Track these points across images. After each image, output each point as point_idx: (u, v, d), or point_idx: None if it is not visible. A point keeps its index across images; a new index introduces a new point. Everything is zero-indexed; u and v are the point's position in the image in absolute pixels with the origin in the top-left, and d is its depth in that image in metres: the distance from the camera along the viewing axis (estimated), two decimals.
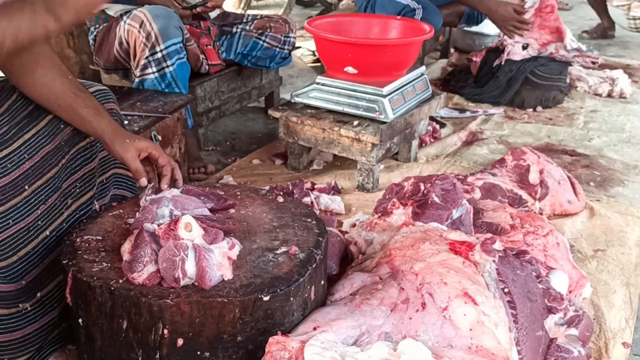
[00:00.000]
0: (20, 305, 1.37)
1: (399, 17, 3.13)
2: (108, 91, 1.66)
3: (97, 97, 1.60)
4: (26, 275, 1.38)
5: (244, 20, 2.93)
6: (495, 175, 2.22)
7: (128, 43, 2.41)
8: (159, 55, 2.37)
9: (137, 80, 2.45)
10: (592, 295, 1.82)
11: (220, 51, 2.82)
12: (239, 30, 2.88)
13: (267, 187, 2.34)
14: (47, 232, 1.43)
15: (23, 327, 1.38)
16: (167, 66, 2.39)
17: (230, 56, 2.90)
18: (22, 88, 1.48)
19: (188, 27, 2.65)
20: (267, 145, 2.90)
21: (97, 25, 2.60)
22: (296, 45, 3.14)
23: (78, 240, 1.39)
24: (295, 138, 2.52)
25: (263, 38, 2.89)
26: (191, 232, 1.27)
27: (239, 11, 4.87)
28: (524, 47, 3.46)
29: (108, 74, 2.70)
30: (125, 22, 2.41)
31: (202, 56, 2.69)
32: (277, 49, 2.93)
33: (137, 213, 1.41)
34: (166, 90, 2.44)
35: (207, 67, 2.73)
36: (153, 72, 2.40)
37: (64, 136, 1.50)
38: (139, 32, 2.36)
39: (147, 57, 2.37)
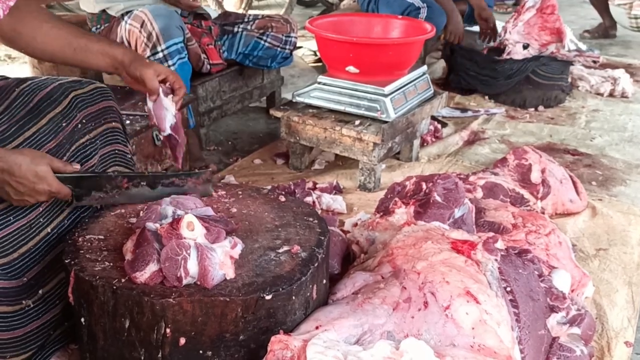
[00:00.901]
0: (23, 302, 1.37)
1: (403, 15, 3.14)
2: (106, 89, 1.67)
3: (95, 94, 1.61)
4: (27, 272, 1.39)
5: (246, 20, 2.93)
6: (497, 175, 2.22)
7: (129, 43, 2.42)
8: (160, 55, 2.37)
9: None
10: (595, 294, 1.81)
11: (221, 51, 2.83)
12: (240, 30, 2.88)
13: (269, 187, 2.34)
14: (49, 230, 1.44)
15: (25, 324, 1.38)
16: (169, 66, 2.39)
17: (231, 56, 2.90)
18: (32, 48, 1.53)
19: (189, 27, 2.65)
20: (268, 145, 2.91)
21: (98, 26, 2.60)
22: (297, 45, 3.14)
23: (80, 239, 1.39)
24: (297, 138, 2.52)
25: (264, 38, 2.89)
26: (193, 231, 1.27)
27: (240, 11, 4.87)
28: (525, 47, 3.46)
29: (110, 73, 2.70)
30: (126, 22, 2.41)
31: (203, 56, 2.69)
32: (279, 49, 2.93)
33: (140, 212, 1.41)
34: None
35: (208, 66, 2.73)
36: None
37: (65, 134, 1.50)
38: (140, 32, 2.36)
39: (148, 57, 2.37)
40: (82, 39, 1.55)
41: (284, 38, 2.92)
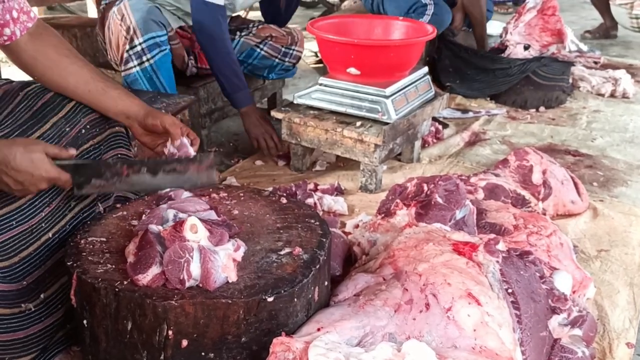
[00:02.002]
0: (23, 305, 1.37)
1: (410, 12, 3.14)
2: None
3: None
4: (27, 276, 1.39)
5: (250, 26, 2.91)
6: (498, 176, 2.22)
7: (112, 33, 2.43)
8: (138, 48, 2.37)
9: (122, 77, 2.46)
10: (596, 295, 1.81)
11: None
12: (237, 36, 2.87)
13: (270, 189, 2.35)
14: (50, 235, 1.44)
15: (26, 327, 1.38)
16: (148, 59, 2.39)
17: None
18: (49, 80, 1.54)
19: (178, 30, 2.65)
20: None
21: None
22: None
23: (82, 242, 1.40)
24: (298, 139, 2.52)
25: (261, 46, 2.87)
26: (197, 234, 1.27)
27: (242, 13, 4.86)
28: (526, 48, 3.46)
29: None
30: (114, 11, 2.43)
31: (188, 57, 2.67)
32: (277, 60, 2.90)
33: (143, 215, 1.41)
34: (149, 85, 2.43)
35: (194, 69, 2.71)
36: (135, 66, 2.40)
37: (69, 139, 1.50)
38: (120, 25, 2.38)
39: (127, 51, 2.38)
40: (100, 83, 1.56)
41: (283, 49, 2.89)
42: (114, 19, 2.41)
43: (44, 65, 1.53)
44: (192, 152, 1.56)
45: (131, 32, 2.36)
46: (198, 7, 2.49)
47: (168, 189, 1.49)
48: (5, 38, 1.47)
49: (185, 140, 1.57)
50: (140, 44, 2.37)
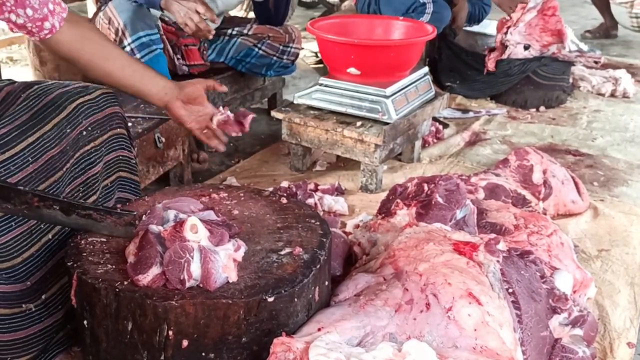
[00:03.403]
0: (24, 305, 1.37)
1: (408, 12, 3.13)
2: (112, 94, 1.67)
3: (101, 101, 1.61)
4: (30, 277, 1.39)
5: (247, 26, 2.90)
6: (499, 176, 2.22)
7: None
8: (128, 49, 2.36)
9: None
10: (597, 295, 1.81)
11: (205, 52, 2.77)
12: (235, 34, 2.86)
13: (271, 189, 2.34)
14: (50, 236, 1.44)
15: (27, 327, 1.38)
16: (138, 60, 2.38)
17: (221, 59, 2.86)
18: (95, 66, 1.60)
19: (164, 26, 2.63)
20: (270, 147, 2.91)
21: None
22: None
23: (83, 242, 1.40)
24: (299, 139, 2.52)
25: (259, 45, 2.86)
26: (197, 234, 1.27)
27: (241, 13, 4.86)
28: (526, 48, 3.46)
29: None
30: (100, 15, 2.42)
31: (177, 57, 2.65)
32: (275, 58, 2.89)
33: (143, 215, 1.41)
34: None
35: (185, 67, 2.69)
36: None
37: (69, 140, 1.50)
38: (108, 28, 2.37)
39: None
40: (140, 64, 1.69)
41: (281, 47, 2.88)
42: (102, 24, 2.41)
43: (91, 50, 1.56)
44: (233, 127, 1.81)
45: (119, 33, 2.35)
46: None
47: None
48: (47, 32, 1.48)
49: (230, 114, 1.77)
50: (129, 44, 2.36)
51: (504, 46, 3.49)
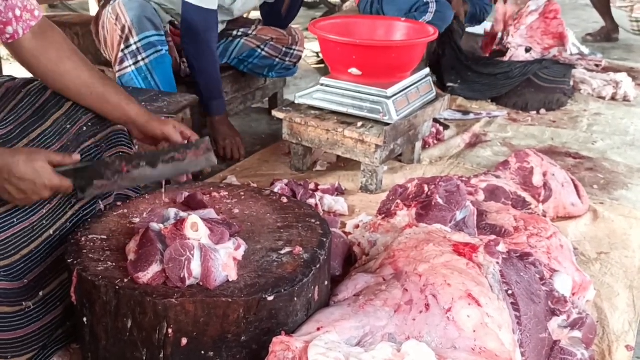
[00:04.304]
0: (24, 303, 1.37)
1: (411, 12, 3.13)
2: None
3: None
4: (29, 273, 1.39)
5: (251, 27, 2.90)
6: (499, 178, 2.22)
7: (108, 32, 2.41)
8: (134, 47, 2.36)
9: (117, 76, 2.44)
10: (596, 297, 1.81)
11: None
12: (240, 35, 2.86)
13: (276, 189, 2.34)
14: (51, 232, 1.44)
15: (26, 325, 1.38)
16: (143, 59, 2.38)
17: (224, 60, 2.87)
18: (51, 80, 1.54)
19: (171, 28, 2.63)
20: (270, 146, 2.91)
21: None
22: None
23: (83, 239, 1.40)
24: (299, 139, 2.52)
25: (262, 47, 2.86)
26: (197, 232, 1.27)
27: (244, 14, 4.86)
28: (527, 50, 3.46)
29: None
30: (108, 11, 2.41)
31: (180, 58, 2.65)
32: (277, 59, 2.90)
33: (144, 212, 1.41)
34: (144, 85, 2.41)
35: (188, 70, 2.69)
36: (130, 65, 2.39)
37: (70, 136, 1.50)
38: (115, 24, 2.36)
39: (122, 50, 2.37)
40: (102, 88, 1.57)
41: (284, 49, 2.89)
42: (109, 18, 2.40)
43: (45, 66, 1.52)
44: None
45: (126, 31, 2.34)
46: (189, 9, 2.46)
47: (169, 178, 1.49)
48: (8, 36, 1.47)
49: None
50: (135, 43, 2.36)
51: (499, 40, 3.51)
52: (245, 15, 3.62)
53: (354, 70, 2.41)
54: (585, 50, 4.24)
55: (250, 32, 2.88)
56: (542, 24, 3.43)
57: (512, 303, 1.39)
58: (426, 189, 1.88)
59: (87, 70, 1.56)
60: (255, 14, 3.75)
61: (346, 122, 2.40)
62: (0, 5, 1.42)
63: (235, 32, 2.86)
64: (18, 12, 1.46)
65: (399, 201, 1.89)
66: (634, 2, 4.98)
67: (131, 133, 1.64)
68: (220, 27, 2.82)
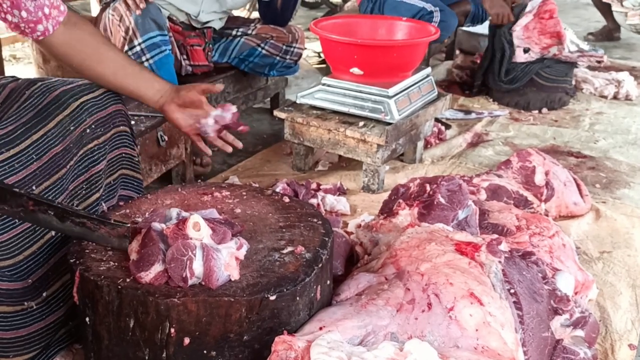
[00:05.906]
0: (26, 303, 1.37)
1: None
2: (116, 93, 1.67)
3: (105, 98, 1.61)
4: (32, 274, 1.39)
5: (250, 26, 2.90)
6: (501, 177, 2.22)
7: (111, 32, 2.41)
8: (138, 48, 2.36)
9: None
10: (598, 296, 1.81)
11: (209, 53, 2.78)
12: (239, 34, 2.86)
13: (278, 189, 2.34)
14: (53, 233, 1.44)
15: (28, 324, 1.38)
16: (147, 59, 2.38)
17: (224, 59, 2.87)
18: (87, 69, 1.61)
19: (171, 25, 2.63)
20: (272, 146, 2.91)
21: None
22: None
23: None
24: (301, 139, 2.52)
25: (262, 45, 2.86)
26: (199, 232, 1.27)
27: (244, 13, 4.87)
28: (525, 51, 3.46)
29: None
30: (109, 12, 2.41)
31: (182, 57, 2.66)
32: (278, 58, 2.89)
33: (146, 213, 1.41)
34: None
35: (189, 68, 2.69)
36: None
37: (73, 138, 1.50)
38: (119, 25, 2.36)
39: (126, 52, 2.37)
40: (136, 66, 1.67)
41: (284, 47, 2.88)
42: (112, 20, 2.39)
43: (82, 53, 1.58)
44: (228, 119, 1.73)
45: (130, 32, 2.34)
46: None
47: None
48: (39, 34, 1.51)
49: (220, 112, 1.71)
50: (139, 44, 2.36)
51: None
52: (245, 15, 3.63)
53: (356, 70, 2.41)
54: (585, 46, 4.22)
55: (249, 31, 2.88)
56: (537, 24, 3.42)
57: (514, 302, 1.39)
58: (428, 188, 1.88)
59: (120, 53, 1.67)
60: (256, 14, 3.75)
61: (348, 122, 2.40)
62: (30, 5, 1.45)
63: (234, 32, 2.86)
64: (47, 10, 1.50)
65: (400, 201, 1.89)
66: (627, 9, 4.99)
67: (165, 108, 1.68)
68: (219, 24, 2.83)
